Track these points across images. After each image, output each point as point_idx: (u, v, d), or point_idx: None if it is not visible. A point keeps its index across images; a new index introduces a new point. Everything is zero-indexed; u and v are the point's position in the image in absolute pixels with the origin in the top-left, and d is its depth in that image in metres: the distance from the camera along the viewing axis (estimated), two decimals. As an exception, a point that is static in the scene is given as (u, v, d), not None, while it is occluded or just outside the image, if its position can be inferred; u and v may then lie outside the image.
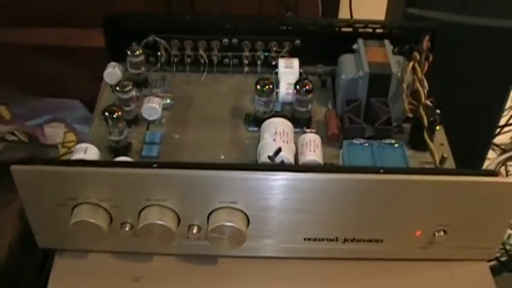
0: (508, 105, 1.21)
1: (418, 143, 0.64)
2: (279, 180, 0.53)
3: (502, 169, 1.26)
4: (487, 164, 1.22)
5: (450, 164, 0.64)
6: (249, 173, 0.52)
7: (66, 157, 1.08)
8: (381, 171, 0.53)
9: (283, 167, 0.56)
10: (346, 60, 0.69)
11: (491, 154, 1.25)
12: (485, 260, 0.60)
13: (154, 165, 0.53)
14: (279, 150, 0.59)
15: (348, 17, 1.03)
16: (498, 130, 1.21)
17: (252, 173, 0.52)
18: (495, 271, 1.09)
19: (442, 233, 0.56)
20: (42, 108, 1.18)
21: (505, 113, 1.23)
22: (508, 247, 1.09)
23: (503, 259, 1.09)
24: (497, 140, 1.25)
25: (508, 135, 1.30)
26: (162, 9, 1.02)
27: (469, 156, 1.02)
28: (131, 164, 0.57)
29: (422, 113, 0.62)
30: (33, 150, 1.01)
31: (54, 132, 1.17)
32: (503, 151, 1.27)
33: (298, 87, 0.66)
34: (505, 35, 0.88)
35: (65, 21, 1.08)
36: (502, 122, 1.21)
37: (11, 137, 1.12)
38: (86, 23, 1.04)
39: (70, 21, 1.07)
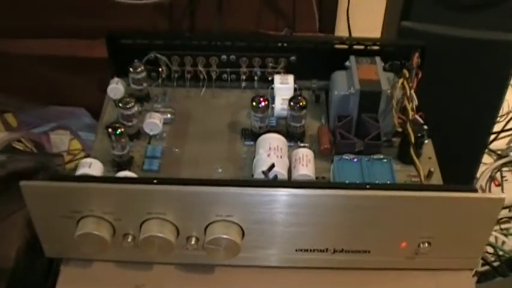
0: (504, 111, 1.24)
1: (406, 158, 0.67)
2: (271, 195, 0.56)
3: (498, 175, 1.29)
4: (483, 170, 1.25)
5: (437, 177, 0.68)
6: (243, 189, 0.56)
7: (71, 165, 1.11)
8: (367, 187, 0.56)
9: (275, 183, 0.59)
10: (339, 77, 0.72)
11: (487, 159, 1.28)
12: (469, 269, 0.63)
13: (155, 181, 0.57)
14: (273, 166, 0.62)
15: (346, 31, 1.06)
16: (494, 136, 1.24)
17: (246, 189, 0.56)
18: (488, 276, 1.12)
19: (426, 245, 0.59)
20: (48, 115, 1.21)
21: (501, 119, 1.26)
22: (500, 253, 1.12)
23: (495, 264, 1.11)
24: (494, 145, 1.28)
25: (504, 141, 1.32)
26: (163, 23, 1.05)
27: (464, 162, 1.05)
28: (133, 180, 0.60)
29: (410, 130, 0.65)
30: (39, 159, 1.04)
31: (60, 140, 1.20)
32: (500, 157, 1.30)
33: (292, 103, 0.69)
34: (499, 47, 0.90)
35: (69, 32, 1.11)
36: (499, 128, 1.24)
37: (17, 144, 1.16)
38: (89, 34, 1.07)
39: (74, 32, 1.11)
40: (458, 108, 0.96)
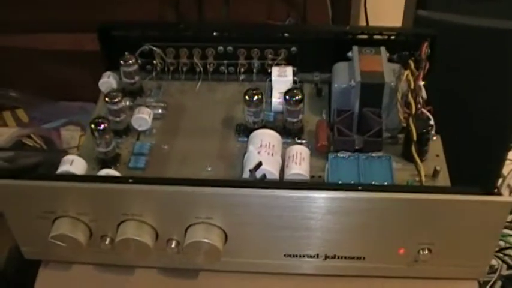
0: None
1: (409, 155, 0.62)
2: (252, 196, 0.52)
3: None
4: (507, 164, 1.17)
5: (444, 176, 0.62)
6: (221, 189, 0.51)
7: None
8: (359, 188, 0.51)
9: (255, 184, 0.54)
10: (340, 69, 0.67)
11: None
12: (476, 279, 0.58)
13: (130, 180, 0.53)
14: (260, 164, 0.58)
15: (364, 22, 1.01)
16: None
17: (223, 190, 0.51)
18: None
19: (426, 251, 0.54)
20: (58, 111, 1.19)
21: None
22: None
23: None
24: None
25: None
26: (170, 15, 1.02)
27: (486, 161, 0.99)
28: (106, 179, 0.56)
29: (412, 125, 0.60)
30: (46, 156, 1.02)
31: (70, 136, 1.18)
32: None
33: (287, 97, 0.64)
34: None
35: (76, 27, 1.08)
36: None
37: (27, 140, 1.14)
38: (94, 28, 1.04)
39: (81, 26, 1.08)
40: (476, 102, 0.90)
